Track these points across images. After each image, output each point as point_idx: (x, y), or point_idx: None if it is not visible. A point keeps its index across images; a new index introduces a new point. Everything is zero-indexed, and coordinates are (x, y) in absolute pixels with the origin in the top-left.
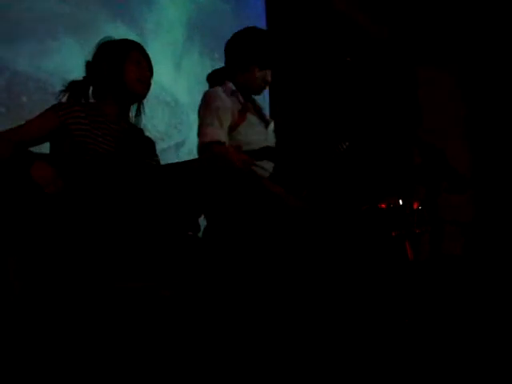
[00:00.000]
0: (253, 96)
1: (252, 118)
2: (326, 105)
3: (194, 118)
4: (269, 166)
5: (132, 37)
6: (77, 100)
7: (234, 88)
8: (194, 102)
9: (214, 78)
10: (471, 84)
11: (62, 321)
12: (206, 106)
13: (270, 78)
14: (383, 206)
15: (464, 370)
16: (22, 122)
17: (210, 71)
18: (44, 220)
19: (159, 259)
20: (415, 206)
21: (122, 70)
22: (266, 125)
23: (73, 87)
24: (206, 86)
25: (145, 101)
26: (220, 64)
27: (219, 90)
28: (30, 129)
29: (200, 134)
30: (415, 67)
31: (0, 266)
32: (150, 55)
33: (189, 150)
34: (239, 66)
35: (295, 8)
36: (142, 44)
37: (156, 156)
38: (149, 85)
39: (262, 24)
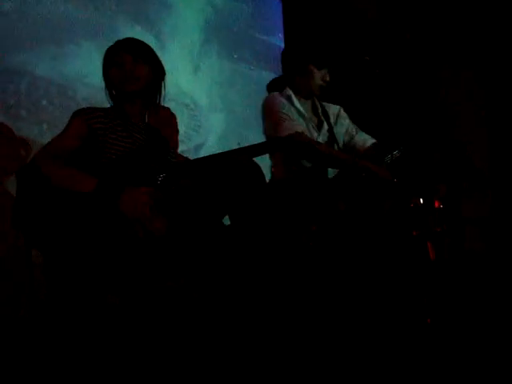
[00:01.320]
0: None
1: (302, 122)
2: (345, 103)
3: (213, 120)
4: None
5: (150, 39)
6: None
7: (290, 93)
8: (213, 104)
9: (273, 87)
10: (493, 84)
11: (90, 317)
12: (269, 110)
13: (328, 77)
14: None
15: (486, 368)
16: (43, 126)
17: (228, 73)
18: (74, 221)
19: (185, 259)
20: (436, 205)
21: (107, 77)
22: (320, 127)
23: None
24: (224, 88)
25: (163, 103)
26: (239, 65)
27: (276, 94)
28: (67, 140)
29: (278, 131)
30: (437, 66)
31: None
32: (168, 58)
33: (208, 153)
34: (297, 70)
35: (312, 7)
36: (160, 47)
37: (173, 153)
38: (136, 77)
39: (278, 24)
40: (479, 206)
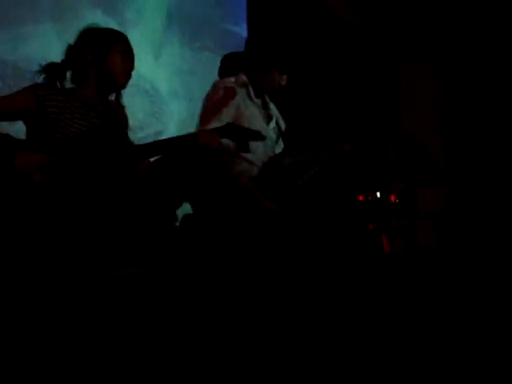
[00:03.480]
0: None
1: (255, 110)
2: (306, 95)
3: (173, 108)
4: (256, 159)
5: (112, 25)
6: (52, 82)
7: (245, 80)
8: (173, 92)
9: (227, 63)
10: (451, 79)
11: (40, 310)
12: (211, 96)
13: (284, 83)
14: (361, 198)
15: (439, 362)
16: None
17: (190, 61)
18: (20, 208)
19: (137, 248)
20: (392, 199)
21: (106, 58)
22: (269, 121)
23: (50, 69)
24: (186, 76)
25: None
26: (201, 54)
27: (229, 80)
28: (3, 103)
29: (199, 122)
30: (395, 61)
31: None
32: (130, 43)
33: None
34: (259, 66)
35: None
36: (121, 31)
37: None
38: (130, 77)
39: (242, 14)
40: (434, 201)
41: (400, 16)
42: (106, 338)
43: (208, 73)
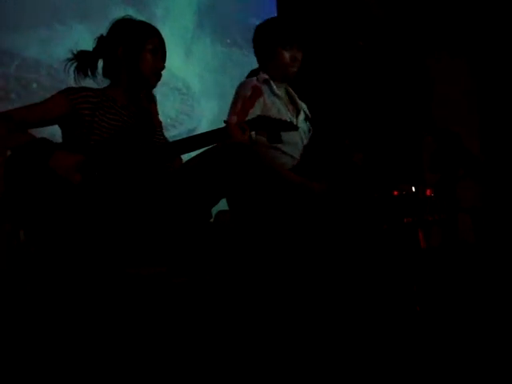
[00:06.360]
0: (287, 86)
1: (281, 106)
2: (337, 88)
3: (205, 105)
4: (291, 149)
5: None
6: (84, 70)
7: (266, 77)
8: (205, 89)
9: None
10: (485, 72)
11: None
12: (235, 95)
13: (300, 56)
14: (396, 193)
15: (476, 361)
16: None
17: (221, 57)
18: (56, 207)
19: (171, 246)
20: (428, 194)
21: (138, 57)
22: (297, 113)
23: (82, 57)
24: (217, 73)
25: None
26: (232, 50)
27: (250, 80)
28: (38, 110)
29: (228, 116)
30: (427, 55)
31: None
32: (163, 39)
33: None
34: (266, 54)
35: None
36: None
37: (161, 135)
38: (161, 76)
39: (273, 8)
40: (473, 196)
41: (432, 9)
42: (150, 334)
43: (239, 70)
